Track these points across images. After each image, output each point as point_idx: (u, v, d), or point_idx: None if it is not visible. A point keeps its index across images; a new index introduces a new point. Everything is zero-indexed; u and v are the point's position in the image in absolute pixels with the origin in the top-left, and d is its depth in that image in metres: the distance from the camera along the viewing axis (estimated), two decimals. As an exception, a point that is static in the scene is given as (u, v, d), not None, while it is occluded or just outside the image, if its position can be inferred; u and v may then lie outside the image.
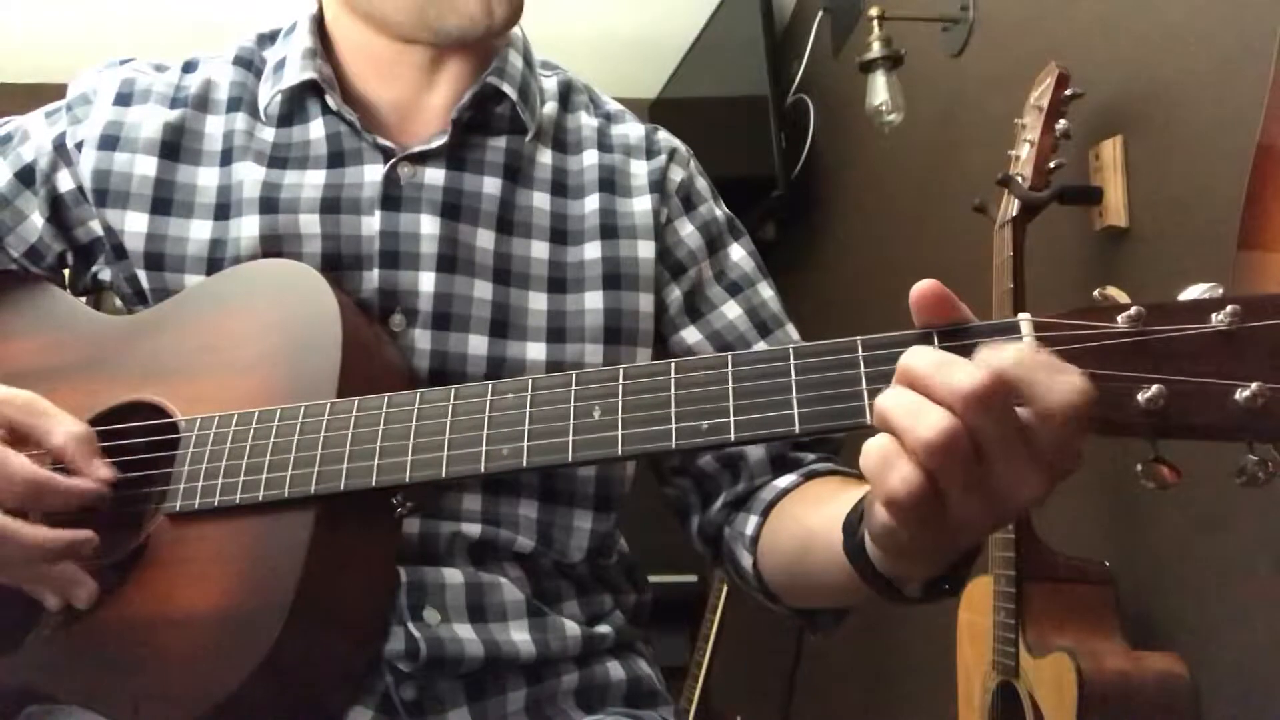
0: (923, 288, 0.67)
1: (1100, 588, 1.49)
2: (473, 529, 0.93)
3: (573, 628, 0.96)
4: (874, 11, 2.18)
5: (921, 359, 0.63)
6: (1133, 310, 0.64)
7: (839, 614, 0.97)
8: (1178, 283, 0.67)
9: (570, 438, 0.76)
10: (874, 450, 0.64)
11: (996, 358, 0.61)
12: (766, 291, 1.09)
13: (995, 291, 1.56)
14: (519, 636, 0.92)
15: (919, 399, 0.62)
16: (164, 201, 1.00)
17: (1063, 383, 0.61)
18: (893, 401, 0.63)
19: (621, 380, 0.76)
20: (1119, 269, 1.64)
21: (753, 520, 0.98)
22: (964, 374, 0.61)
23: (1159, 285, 1.52)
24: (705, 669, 2.64)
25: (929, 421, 0.61)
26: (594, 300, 1.01)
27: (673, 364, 0.75)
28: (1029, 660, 1.44)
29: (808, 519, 0.91)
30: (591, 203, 1.04)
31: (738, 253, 1.09)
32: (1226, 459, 0.64)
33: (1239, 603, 1.40)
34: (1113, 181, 1.62)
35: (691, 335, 1.05)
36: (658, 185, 1.06)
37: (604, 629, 0.99)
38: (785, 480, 0.99)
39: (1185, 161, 1.50)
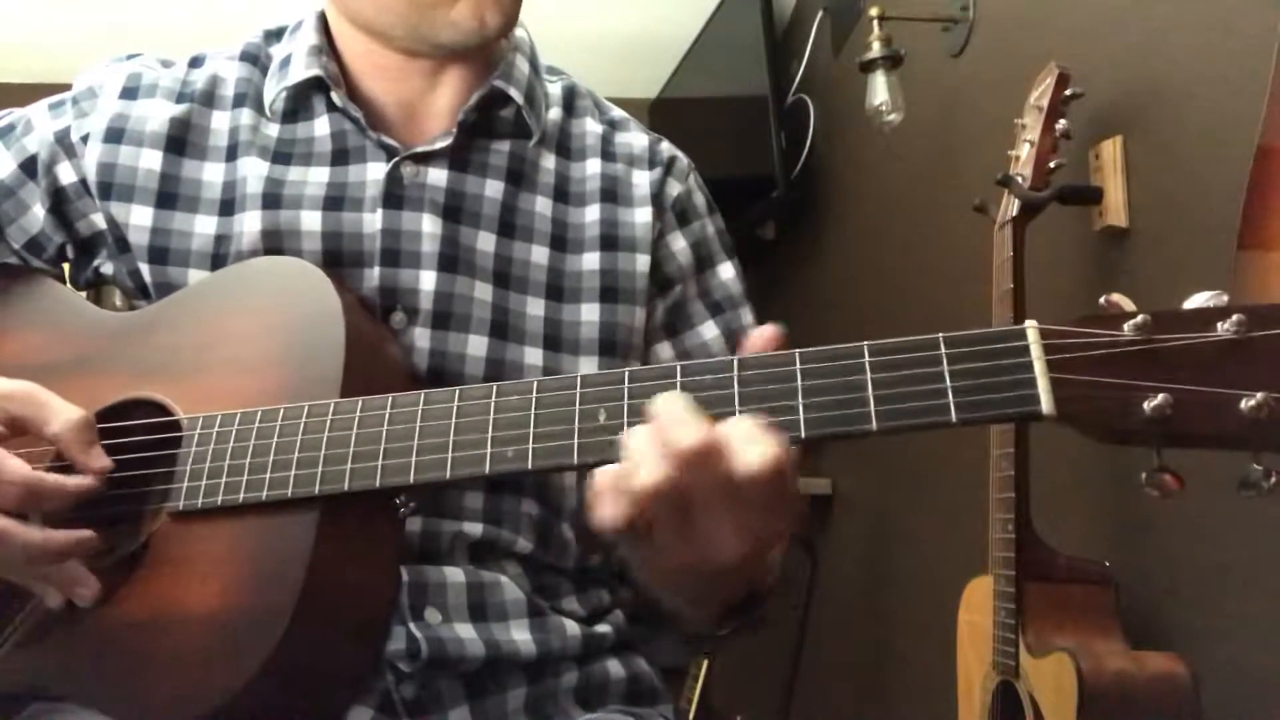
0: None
1: (1100, 588, 1.49)
2: (474, 528, 0.93)
3: (573, 627, 0.96)
4: (874, 11, 2.18)
5: (661, 407, 0.70)
6: (1139, 319, 0.64)
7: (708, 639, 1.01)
8: (1178, 283, 0.67)
9: (575, 440, 0.76)
10: (599, 481, 0.71)
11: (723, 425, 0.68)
12: (747, 317, 1.09)
13: (995, 291, 1.56)
14: (520, 636, 0.92)
15: (650, 446, 0.69)
16: (169, 196, 1.00)
17: (755, 452, 0.67)
18: (632, 440, 0.70)
19: (627, 383, 0.76)
20: (1119, 269, 1.64)
21: None
22: (688, 433, 0.68)
23: (1159, 285, 1.52)
24: (705, 669, 2.64)
25: (647, 470, 0.68)
26: (590, 312, 1.01)
27: (678, 367, 0.75)
28: (1029, 660, 1.44)
29: None
30: (593, 212, 1.04)
31: (726, 273, 1.10)
32: (1228, 459, 0.64)
33: (1239, 603, 1.40)
34: (1113, 181, 1.62)
35: (664, 350, 1.05)
36: (655, 198, 1.06)
37: (604, 628, 0.99)
38: None
39: (1185, 161, 1.50)
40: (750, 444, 0.67)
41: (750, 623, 0.91)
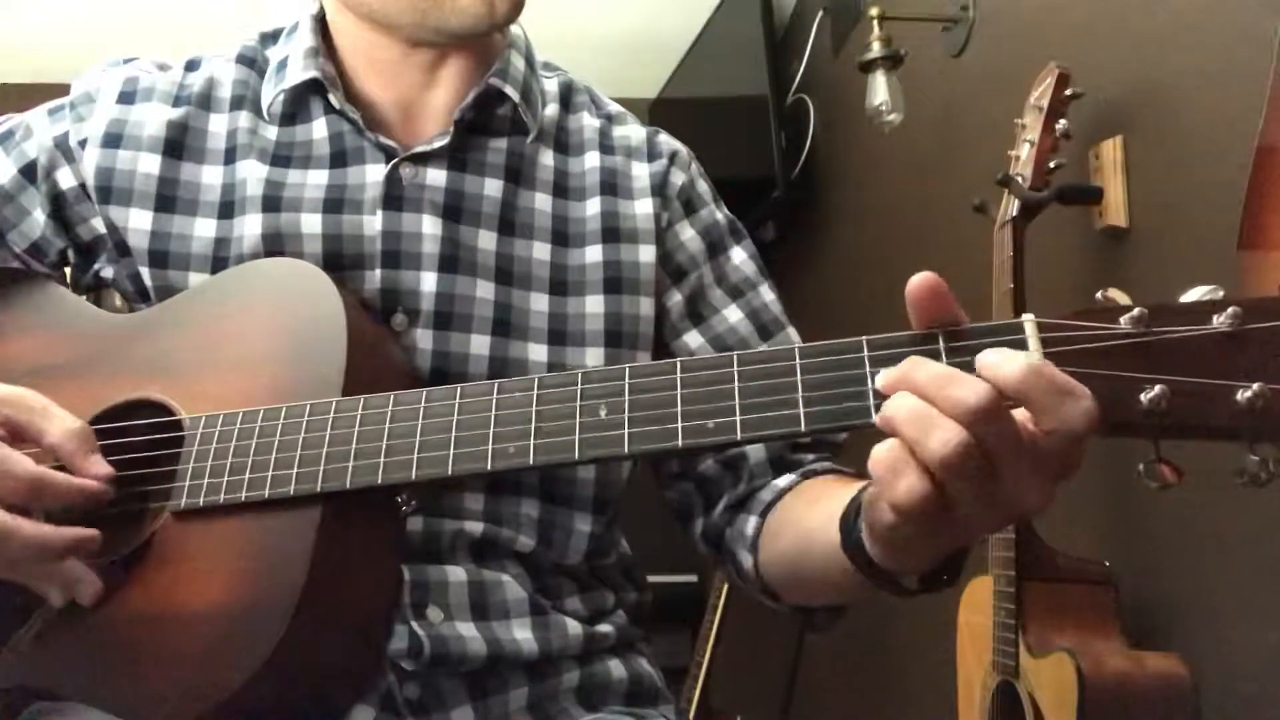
0: (918, 283, 0.68)
1: (1100, 588, 1.49)
2: (475, 527, 0.93)
3: (574, 626, 0.96)
4: (874, 11, 2.18)
5: (924, 372, 0.64)
6: (1135, 311, 0.64)
7: (836, 611, 0.98)
8: (1178, 282, 0.67)
9: (577, 436, 0.76)
10: (883, 457, 0.65)
11: (1003, 372, 0.63)
12: (768, 294, 1.09)
13: (995, 291, 1.56)
14: (521, 635, 0.92)
15: (927, 409, 0.63)
16: (168, 199, 1.00)
17: (1073, 409, 0.62)
18: (902, 409, 0.64)
19: (628, 379, 0.76)
20: (1119, 269, 1.64)
21: (752, 521, 0.99)
22: (969, 390, 0.62)
23: (1159, 285, 1.52)
24: (705, 669, 2.64)
25: (941, 437, 0.62)
26: (595, 304, 1.01)
27: (678, 363, 0.75)
28: (1029, 660, 1.44)
29: (805, 517, 0.91)
30: (593, 205, 1.04)
31: (739, 255, 1.10)
32: (1228, 461, 0.64)
33: (1239, 603, 1.40)
34: (1113, 181, 1.62)
35: (694, 339, 1.05)
36: (659, 189, 1.06)
37: (605, 628, 0.99)
38: (784, 480, 0.99)
39: (1185, 161, 1.50)
40: (1064, 400, 0.62)
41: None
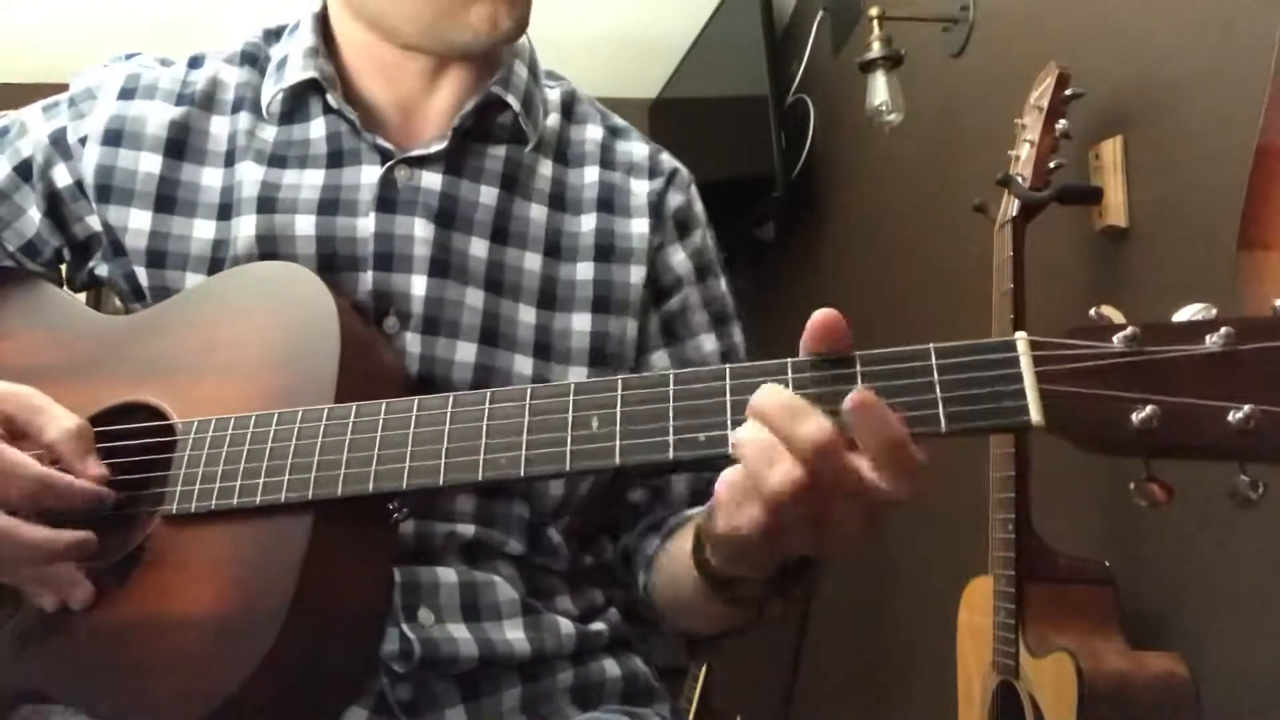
0: (817, 320, 0.71)
1: (1100, 588, 1.49)
2: (466, 529, 0.93)
3: (567, 625, 0.96)
4: (874, 11, 2.18)
5: (771, 401, 0.67)
6: (1128, 330, 0.65)
7: (714, 640, 1.00)
8: (1178, 282, 0.67)
9: (568, 448, 0.76)
10: (732, 481, 0.70)
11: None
12: (738, 336, 1.10)
13: (995, 292, 1.56)
14: (513, 635, 0.92)
15: (773, 442, 0.67)
16: (168, 200, 1.00)
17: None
18: (748, 438, 0.68)
19: (620, 391, 0.76)
20: (1119, 269, 1.64)
21: (654, 542, 1.00)
22: (813, 426, 0.66)
23: (1159, 285, 1.52)
24: (705, 669, 2.64)
25: (781, 469, 0.66)
26: (582, 322, 1.00)
27: (671, 375, 0.75)
28: (1029, 660, 1.44)
29: (687, 539, 0.92)
30: (589, 221, 1.04)
31: (721, 286, 1.10)
32: (1225, 464, 0.64)
33: (1239, 603, 1.40)
34: (1113, 181, 1.62)
35: (660, 359, 1.05)
36: (655, 208, 1.06)
37: (599, 626, 0.99)
38: (696, 510, 0.99)
39: (1185, 161, 1.50)
40: (872, 424, 0.65)
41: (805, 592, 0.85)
